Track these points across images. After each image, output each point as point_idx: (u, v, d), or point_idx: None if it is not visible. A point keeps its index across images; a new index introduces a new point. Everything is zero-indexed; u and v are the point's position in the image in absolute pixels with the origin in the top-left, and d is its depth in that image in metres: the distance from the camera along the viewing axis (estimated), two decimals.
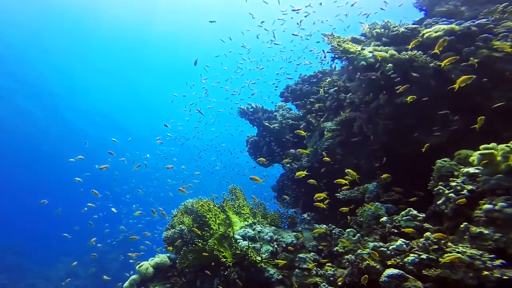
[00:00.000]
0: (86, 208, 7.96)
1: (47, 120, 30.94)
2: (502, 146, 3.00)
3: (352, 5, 7.72)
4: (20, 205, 37.17)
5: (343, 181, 4.12)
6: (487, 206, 2.93)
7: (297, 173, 4.70)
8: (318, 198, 4.18)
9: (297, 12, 6.77)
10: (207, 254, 4.57)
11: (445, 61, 3.85)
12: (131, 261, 6.96)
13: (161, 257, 5.88)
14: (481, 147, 3.22)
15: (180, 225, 5.36)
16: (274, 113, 6.98)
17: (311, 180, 4.63)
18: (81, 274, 19.98)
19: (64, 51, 25.78)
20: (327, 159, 4.77)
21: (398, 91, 4.28)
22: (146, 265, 5.77)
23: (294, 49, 9.47)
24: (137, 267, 5.74)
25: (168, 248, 5.50)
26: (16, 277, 18.95)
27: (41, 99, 27.77)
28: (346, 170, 4.09)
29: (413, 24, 6.05)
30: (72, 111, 31.15)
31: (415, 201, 3.94)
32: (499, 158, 2.99)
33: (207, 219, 5.03)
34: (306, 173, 4.60)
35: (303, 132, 5.26)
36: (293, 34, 7.20)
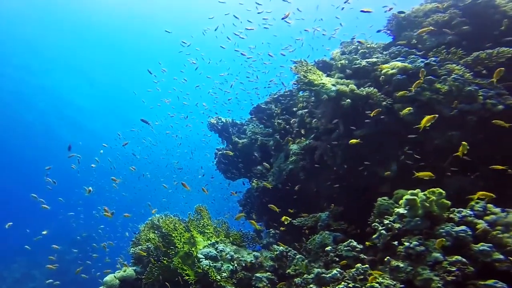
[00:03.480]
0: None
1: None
2: (421, 194, 4.03)
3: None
4: None
5: (285, 220, 5.14)
6: (406, 243, 3.98)
7: (236, 216, 5.88)
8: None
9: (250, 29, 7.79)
10: (171, 271, 5.52)
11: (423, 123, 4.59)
12: (98, 273, 7.80)
13: (128, 270, 6.77)
14: (409, 191, 4.25)
15: (147, 243, 6.24)
16: (244, 127, 7.86)
17: (252, 220, 5.74)
18: (36, 275, 20.64)
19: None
20: (268, 185, 5.92)
21: (371, 114, 5.15)
22: (112, 277, 6.65)
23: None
24: (104, 279, 6.61)
25: (125, 270, 6.38)
26: None
27: None
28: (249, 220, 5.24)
29: (383, 46, 7.03)
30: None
31: (366, 230, 4.97)
32: (419, 204, 4.03)
33: (173, 238, 5.94)
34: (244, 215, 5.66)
35: (230, 152, 6.44)
36: (242, 54, 8.22)
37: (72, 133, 35.48)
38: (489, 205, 3.88)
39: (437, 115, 4.40)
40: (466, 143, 4.06)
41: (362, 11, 5.62)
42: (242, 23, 10.71)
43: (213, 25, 11.01)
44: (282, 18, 7.38)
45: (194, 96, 14.68)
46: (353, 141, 5.05)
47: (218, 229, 6.38)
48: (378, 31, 7.11)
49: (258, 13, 9.49)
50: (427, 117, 4.42)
